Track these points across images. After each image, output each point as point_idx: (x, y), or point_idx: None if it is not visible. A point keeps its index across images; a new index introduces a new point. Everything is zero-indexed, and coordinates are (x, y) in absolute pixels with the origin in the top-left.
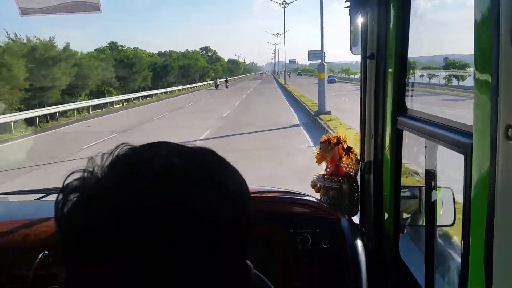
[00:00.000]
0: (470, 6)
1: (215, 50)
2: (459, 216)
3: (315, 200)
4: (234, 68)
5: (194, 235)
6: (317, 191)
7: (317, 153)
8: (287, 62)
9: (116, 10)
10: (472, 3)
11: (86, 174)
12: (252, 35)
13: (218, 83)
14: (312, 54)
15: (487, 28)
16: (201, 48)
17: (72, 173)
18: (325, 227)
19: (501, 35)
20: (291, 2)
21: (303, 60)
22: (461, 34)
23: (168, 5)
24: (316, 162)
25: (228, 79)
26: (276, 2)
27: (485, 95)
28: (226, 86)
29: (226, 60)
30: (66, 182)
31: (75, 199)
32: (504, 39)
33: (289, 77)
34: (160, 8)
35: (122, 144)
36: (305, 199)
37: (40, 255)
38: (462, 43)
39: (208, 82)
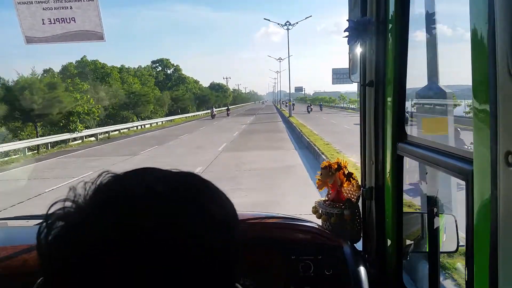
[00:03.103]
0: (468, 35)
1: (177, 66)
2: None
3: (317, 227)
4: (212, 97)
5: (179, 261)
6: (319, 217)
7: (318, 179)
8: (292, 90)
9: (121, 38)
10: (469, 32)
11: (68, 203)
12: (252, 64)
13: (215, 113)
14: (338, 75)
15: (484, 56)
16: (153, 61)
17: (55, 202)
18: (328, 254)
19: (498, 62)
20: (296, 23)
21: (308, 89)
22: (459, 63)
23: (170, 34)
24: (317, 188)
25: (215, 111)
26: (279, 24)
27: (484, 121)
28: (228, 115)
29: (208, 84)
30: (49, 211)
31: (57, 228)
32: (501, 67)
33: None
34: (160, 34)
35: (104, 172)
36: (307, 225)
37: (38, 280)
38: (460, 72)
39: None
